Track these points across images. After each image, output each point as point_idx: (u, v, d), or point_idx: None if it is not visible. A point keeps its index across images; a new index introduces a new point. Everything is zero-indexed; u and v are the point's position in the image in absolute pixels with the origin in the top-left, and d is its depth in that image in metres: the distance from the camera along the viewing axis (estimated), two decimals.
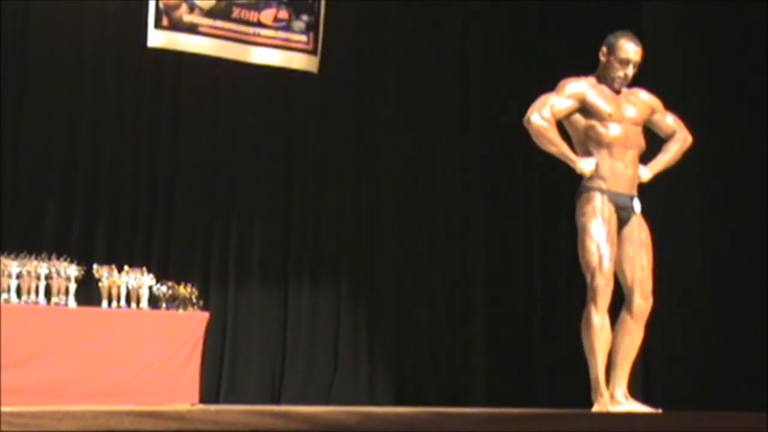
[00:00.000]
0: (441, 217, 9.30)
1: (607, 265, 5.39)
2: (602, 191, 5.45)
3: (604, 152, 5.49)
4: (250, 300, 8.74)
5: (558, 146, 5.44)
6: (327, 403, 8.41)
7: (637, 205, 5.56)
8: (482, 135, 9.45)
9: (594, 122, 5.49)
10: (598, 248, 5.39)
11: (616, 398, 5.43)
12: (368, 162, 9.17)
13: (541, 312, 9.43)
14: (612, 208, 5.46)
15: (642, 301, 5.52)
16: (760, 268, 8.23)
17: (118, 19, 8.38)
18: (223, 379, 8.52)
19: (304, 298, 8.88)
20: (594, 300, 5.37)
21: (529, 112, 5.45)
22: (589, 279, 5.41)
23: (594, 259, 5.38)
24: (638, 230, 5.54)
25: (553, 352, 9.22)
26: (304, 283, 8.89)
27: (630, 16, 8.49)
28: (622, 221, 5.50)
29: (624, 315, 5.54)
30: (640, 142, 5.61)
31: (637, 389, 7.08)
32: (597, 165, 5.46)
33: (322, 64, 8.78)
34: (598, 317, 5.38)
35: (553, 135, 5.42)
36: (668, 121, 5.78)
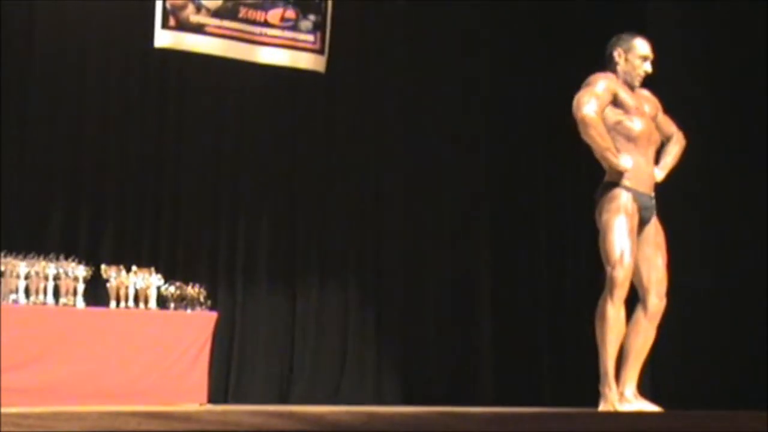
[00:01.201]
0: (448, 216, 9.30)
1: (628, 259, 5.40)
2: (627, 189, 5.48)
3: (631, 147, 5.52)
4: (258, 300, 8.75)
5: (606, 140, 5.45)
6: (335, 403, 8.41)
7: (655, 205, 5.59)
8: (489, 135, 9.44)
9: (622, 116, 5.53)
10: (621, 242, 5.41)
11: (626, 397, 5.43)
12: (375, 161, 9.17)
13: (547, 311, 9.42)
14: (635, 207, 5.48)
15: (657, 301, 5.55)
16: (764, 268, 8.22)
17: (125, 19, 8.38)
18: (231, 379, 8.53)
19: (312, 297, 8.88)
20: (611, 292, 5.39)
21: (579, 104, 5.44)
22: (609, 271, 5.41)
23: (616, 252, 5.40)
24: (655, 231, 5.57)
25: (560, 351, 9.21)
26: (312, 283, 8.89)
27: (633, 15, 8.48)
28: (643, 221, 5.52)
29: (639, 314, 5.56)
30: (657, 138, 5.68)
31: (645, 388, 7.07)
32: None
33: (329, 64, 8.77)
34: (614, 309, 5.39)
35: (603, 129, 5.46)
36: (668, 121, 5.85)
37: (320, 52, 8.71)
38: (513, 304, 9.32)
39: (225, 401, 8.28)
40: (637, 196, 5.50)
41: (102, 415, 2.72)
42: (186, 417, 3.07)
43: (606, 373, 5.37)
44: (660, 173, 5.70)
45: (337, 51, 8.81)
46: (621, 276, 5.38)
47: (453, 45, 9.43)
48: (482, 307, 9.33)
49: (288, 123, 8.94)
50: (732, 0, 8.40)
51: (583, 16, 9.17)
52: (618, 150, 5.50)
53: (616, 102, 5.55)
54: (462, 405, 8.04)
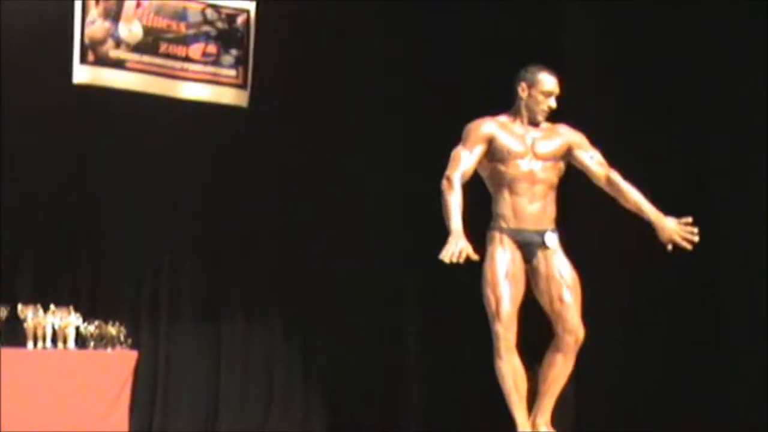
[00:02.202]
0: (375, 249, 9.22)
1: (506, 308, 5.32)
2: (502, 230, 5.44)
3: (505, 190, 5.48)
4: (182, 337, 8.65)
5: (448, 215, 5.26)
6: None
7: (550, 239, 5.48)
8: (414, 168, 9.37)
9: (496, 162, 5.48)
10: (495, 292, 5.34)
11: (537, 426, 5.44)
12: (299, 197, 9.09)
13: (476, 341, 9.37)
14: (513, 246, 5.42)
15: (565, 335, 5.47)
16: (693, 301, 8.26)
17: (43, 54, 8.24)
18: (155, 418, 8.40)
19: (237, 333, 8.80)
20: (497, 346, 5.37)
21: (447, 170, 5.41)
22: (491, 324, 5.38)
23: (492, 305, 5.35)
24: (552, 264, 5.47)
25: (489, 382, 9.17)
26: (237, 319, 8.82)
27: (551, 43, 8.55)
28: (530, 257, 5.46)
29: (551, 347, 5.54)
30: (548, 176, 5.52)
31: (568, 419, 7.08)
32: (497, 211, 5.45)
33: (253, 99, 8.72)
34: (504, 363, 5.38)
35: (452, 201, 5.30)
36: (592, 157, 5.66)
37: (243, 86, 8.66)
38: (441, 332, 9.28)
39: None
40: (514, 234, 5.43)
41: None
42: None
43: (517, 423, 5.41)
44: (671, 222, 5.50)
45: (260, 85, 8.76)
46: (501, 330, 5.34)
47: (379, 77, 9.36)
48: (410, 335, 9.29)
49: (211, 159, 8.86)
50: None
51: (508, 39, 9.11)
52: (497, 191, 5.49)
53: (492, 147, 5.48)
54: None
